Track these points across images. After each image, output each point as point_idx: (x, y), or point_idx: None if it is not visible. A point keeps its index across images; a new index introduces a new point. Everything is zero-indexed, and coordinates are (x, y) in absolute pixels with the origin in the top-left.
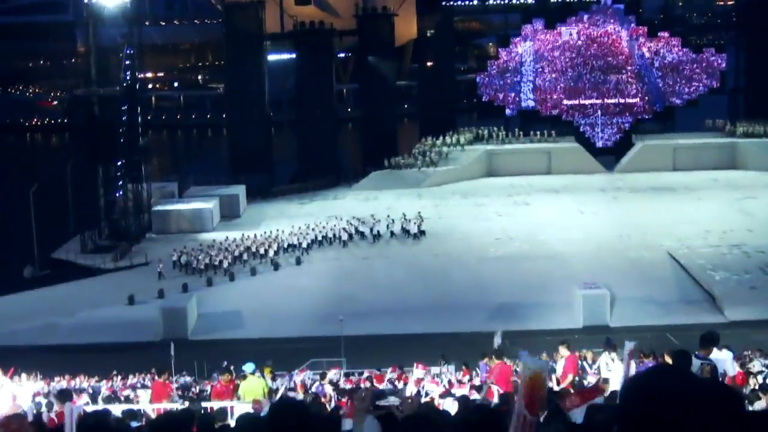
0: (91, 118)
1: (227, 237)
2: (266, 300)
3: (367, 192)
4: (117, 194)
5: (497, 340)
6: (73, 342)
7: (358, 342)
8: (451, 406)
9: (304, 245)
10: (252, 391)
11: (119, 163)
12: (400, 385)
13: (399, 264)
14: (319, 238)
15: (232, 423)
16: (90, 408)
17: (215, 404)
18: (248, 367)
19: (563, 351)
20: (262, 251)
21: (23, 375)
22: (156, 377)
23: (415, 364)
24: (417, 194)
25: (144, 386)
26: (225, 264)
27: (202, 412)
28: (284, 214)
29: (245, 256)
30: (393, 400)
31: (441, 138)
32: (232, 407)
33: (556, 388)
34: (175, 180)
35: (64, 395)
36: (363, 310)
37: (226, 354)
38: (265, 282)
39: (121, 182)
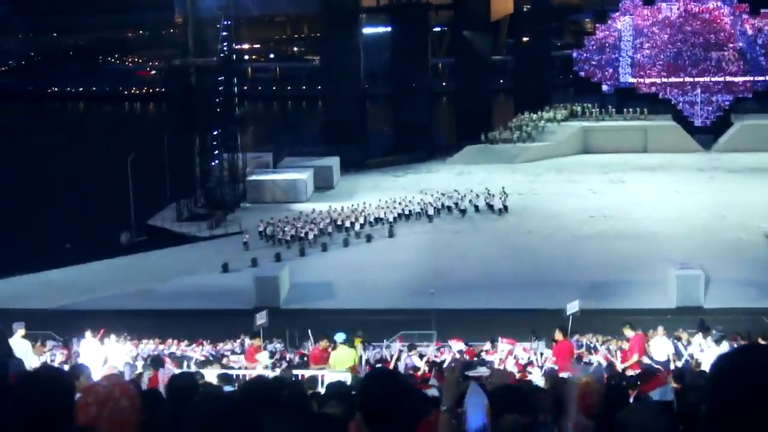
0: (188, 89)
1: (314, 209)
2: (358, 271)
3: (461, 166)
4: (213, 163)
5: (571, 308)
6: (167, 307)
7: (449, 315)
8: (540, 380)
9: (391, 219)
10: (343, 360)
11: (215, 133)
12: (489, 358)
13: (490, 239)
14: (406, 212)
15: (322, 391)
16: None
17: (306, 372)
18: (339, 336)
19: (627, 332)
20: (348, 224)
21: (113, 336)
22: (249, 343)
23: (500, 339)
24: (511, 169)
25: (234, 352)
26: (311, 236)
27: (293, 379)
28: (378, 186)
29: (330, 229)
30: (483, 371)
31: (538, 113)
32: (322, 375)
33: (620, 368)
34: (270, 150)
35: (157, 361)
36: (454, 283)
37: (318, 323)
38: (357, 253)
39: (217, 151)
